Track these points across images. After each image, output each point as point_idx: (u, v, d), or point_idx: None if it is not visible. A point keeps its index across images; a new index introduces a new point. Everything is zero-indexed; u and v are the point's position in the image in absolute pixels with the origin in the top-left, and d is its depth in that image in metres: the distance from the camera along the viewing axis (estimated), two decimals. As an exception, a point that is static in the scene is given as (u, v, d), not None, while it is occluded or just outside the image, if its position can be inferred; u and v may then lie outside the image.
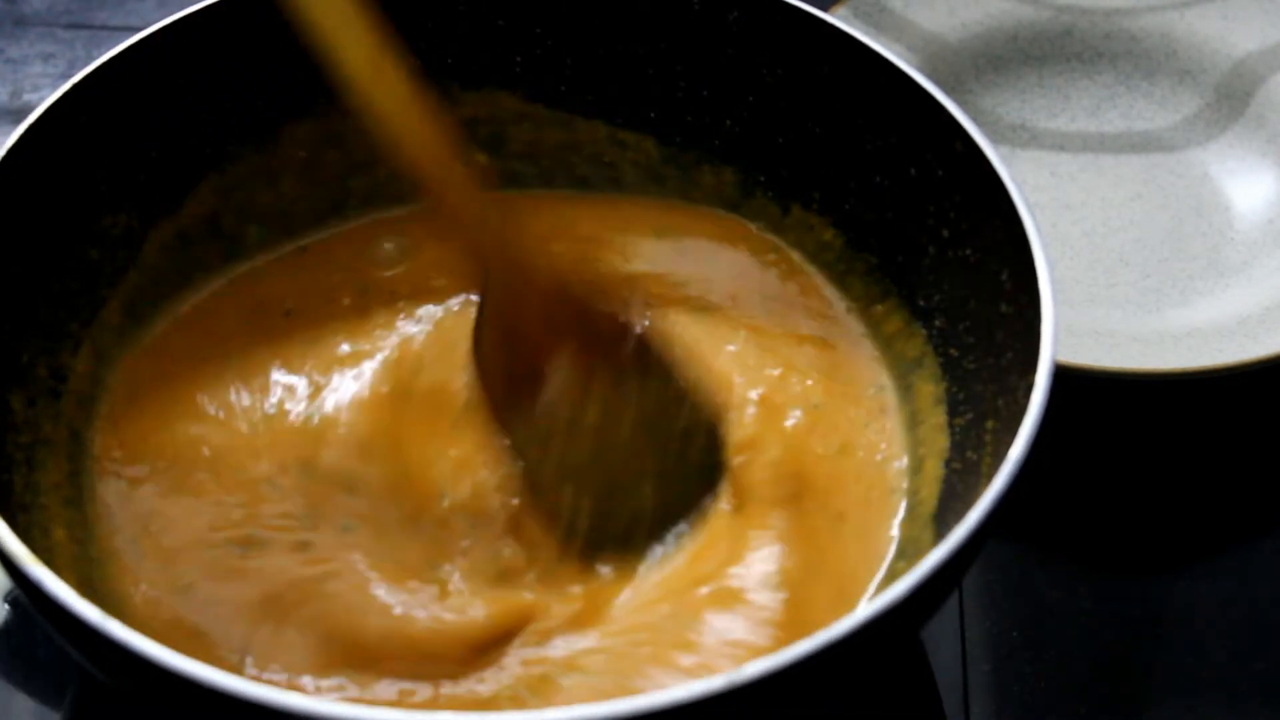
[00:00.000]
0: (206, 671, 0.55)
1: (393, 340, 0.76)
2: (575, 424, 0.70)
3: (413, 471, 0.72)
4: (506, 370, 0.70)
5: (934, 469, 0.72)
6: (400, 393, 0.74)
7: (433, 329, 0.77)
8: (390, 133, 0.66)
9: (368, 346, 0.76)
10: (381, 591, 0.68)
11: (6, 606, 0.75)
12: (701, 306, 0.79)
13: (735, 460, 0.73)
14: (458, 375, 0.74)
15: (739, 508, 0.71)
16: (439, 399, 0.74)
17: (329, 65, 0.65)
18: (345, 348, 0.76)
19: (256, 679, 0.65)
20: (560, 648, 0.67)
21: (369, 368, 0.75)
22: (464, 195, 0.68)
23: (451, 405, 0.73)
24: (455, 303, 0.78)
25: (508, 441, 0.71)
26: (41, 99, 0.73)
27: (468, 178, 0.68)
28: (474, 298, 0.76)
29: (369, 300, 0.79)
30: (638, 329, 0.71)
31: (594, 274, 0.73)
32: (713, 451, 0.72)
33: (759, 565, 0.69)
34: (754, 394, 0.75)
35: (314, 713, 0.54)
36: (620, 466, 0.71)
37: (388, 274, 0.80)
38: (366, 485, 0.71)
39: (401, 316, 0.78)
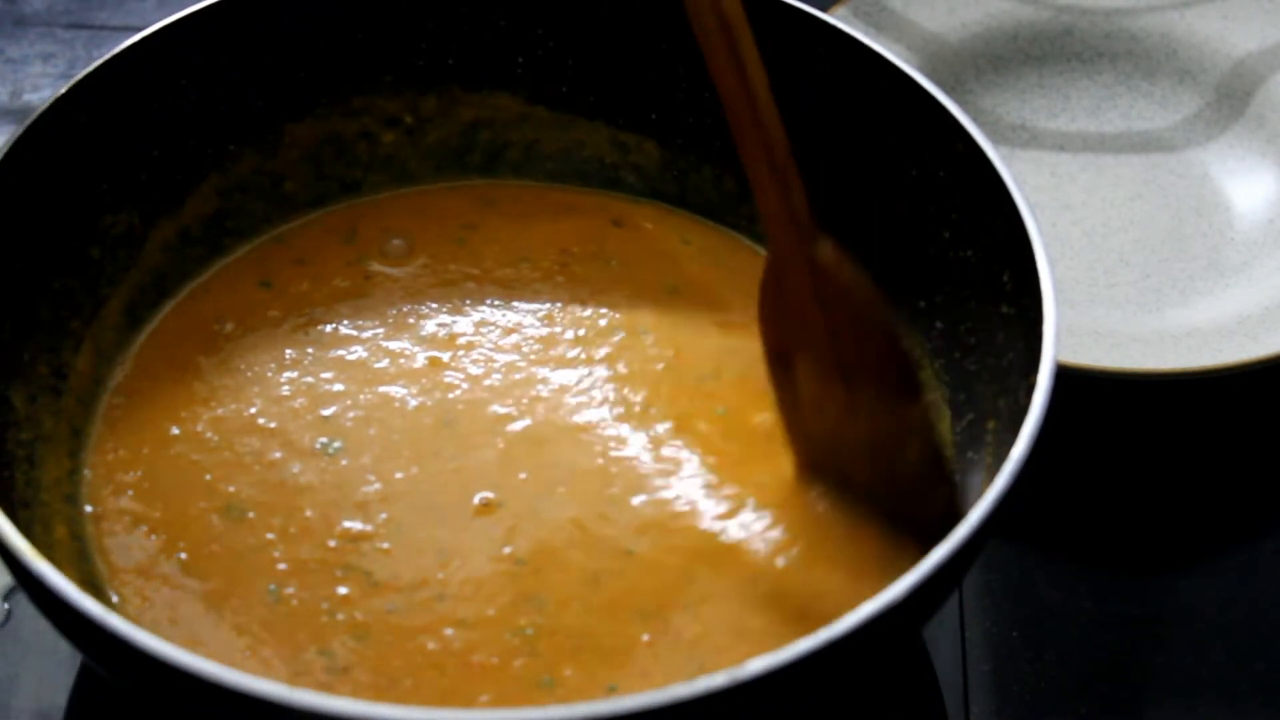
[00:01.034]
0: (209, 666, 0.55)
1: (403, 342, 0.77)
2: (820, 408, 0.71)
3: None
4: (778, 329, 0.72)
5: (935, 469, 0.72)
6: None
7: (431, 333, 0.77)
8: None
9: (373, 346, 0.76)
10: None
11: (6, 606, 0.75)
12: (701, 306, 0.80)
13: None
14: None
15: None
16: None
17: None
18: (355, 349, 0.76)
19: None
20: None
21: (382, 370, 0.76)
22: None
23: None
24: (444, 309, 0.78)
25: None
26: (41, 99, 0.73)
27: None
28: (468, 302, 0.78)
29: (375, 299, 0.79)
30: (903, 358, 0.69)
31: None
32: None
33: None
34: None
35: (315, 707, 0.54)
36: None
37: (392, 271, 0.80)
38: (387, 484, 0.72)
39: (405, 313, 0.78)
